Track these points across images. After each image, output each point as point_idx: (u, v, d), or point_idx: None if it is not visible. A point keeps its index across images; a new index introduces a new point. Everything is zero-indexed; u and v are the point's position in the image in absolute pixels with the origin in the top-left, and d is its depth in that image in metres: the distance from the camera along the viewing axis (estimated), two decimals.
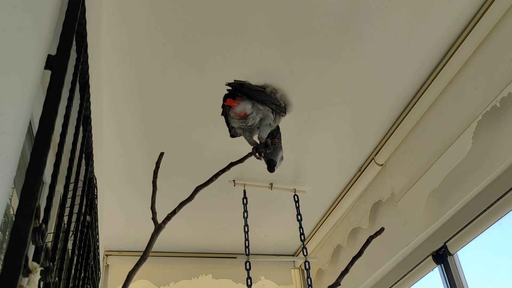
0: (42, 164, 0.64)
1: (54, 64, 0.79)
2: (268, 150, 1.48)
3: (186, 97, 2.02)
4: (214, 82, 1.94)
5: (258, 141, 1.54)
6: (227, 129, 1.69)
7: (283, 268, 3.52)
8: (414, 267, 2.35)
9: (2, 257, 1.02)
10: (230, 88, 1.50)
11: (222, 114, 1.58)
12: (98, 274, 2.02)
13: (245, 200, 2.53)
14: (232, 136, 1.63)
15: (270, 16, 1.69)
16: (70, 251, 1.20)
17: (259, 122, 1.50)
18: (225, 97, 1.50)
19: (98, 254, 2.06)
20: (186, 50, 1.80)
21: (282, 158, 1.60)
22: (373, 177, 2.55)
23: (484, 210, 1.89)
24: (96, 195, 1.70)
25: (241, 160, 1.43)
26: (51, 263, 0.74)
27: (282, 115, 1.57)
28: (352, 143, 2.41)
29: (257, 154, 1.49)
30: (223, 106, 1.54)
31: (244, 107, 1.46)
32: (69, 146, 0.98)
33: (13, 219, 0.58)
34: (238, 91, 1.48)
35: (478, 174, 1.82)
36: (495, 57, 1.72)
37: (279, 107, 1.52)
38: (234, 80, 1.53)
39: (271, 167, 1.52)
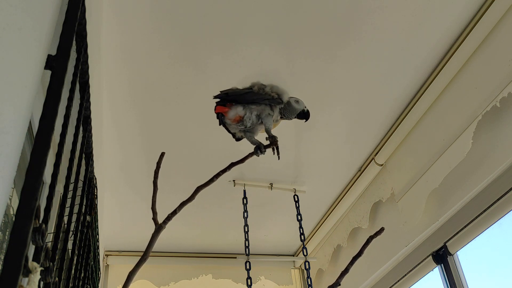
0: (42, 164, 0.64)
1: (54, 64, 0.79)
2: (275, 148, 1.50)
3: (186, 97, 2.02)
4: (214, 82, 1.94)
5: (259, 141, 1.54)
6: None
7: (283, 268, 3.52)
8: (414, 267, 2.34)
9: (2, 257, 1.02)
10: (218, 100, 1.52)
11: (220, 124, 1.58)
12: (98, 274, 2.02)
13: (245, 200, 2.53)
14: (238, 140, 1.64)
15: (270, 16, 1.69)
16: (70, 251, 1.20)
17: (257, 120, 1.51)
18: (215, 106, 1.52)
19: (98, 254, 2.06)
20: (186, 50, 1.80)
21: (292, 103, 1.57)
22: (373, 177, 2.55)
23: (484, 210, 1.89)
24: (96, 195, 1.70)
25: (242, 160, 1.43)
26: (51, 263, 0.74)
27: (280, 106, 1.57)
28: (352, 143, 2.41)
29: (259, 152, 1.49)
30: (218, 116, 1.55)
31: (236, 111, 1.49)
32: (69, 146, 0.98)
33: (13, 219, 0.58)
34: (226, 100, 1.50)
35: (478, 174, 1.82)
36: (495, 57, 1.72)
37: (273, 100, 1.53)
38: (220, 92, 1.54)
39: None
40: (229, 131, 1.61)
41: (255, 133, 1.58)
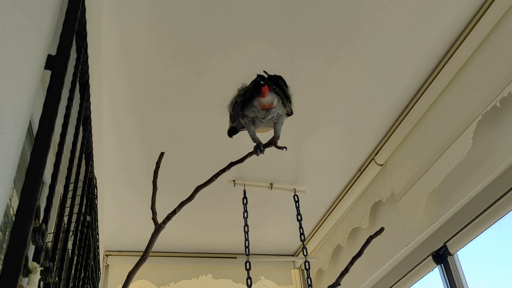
0: (42, 164, 0.64)
1: (54, 64, 0.79)
2: (276, 147, 1.49)
3: (185, 97, 2.02)
4: (214, 82, 1.94)
5: (260, 140, 1.53)
6: (226, 128, 1.68)
7: (283, 268, 3.52)
8: (414, 267, 2.34)
9: (2, 257, 1.02)
10: (264, 76, 1.42)
11: (238, 101, 1.48)
12: (98, 274, 2.02)
13: (245, 200, 2.53)
14: (230, 132, 1.61)
15: (270, 16, 1.69)
16: (70, 251, 1.20)
17: (276, 117, 1.47)
18: (260, 83, 1.41)
19: (98, 254, 2.06)
20: (186, 50, 1.80)
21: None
22: (373, 177, 2.55)
23: (484, 210, 1.89)
24: (96, 195, 1.70)
25: (241, 160, 1.43)
26: (51, 263, 0.74)
27: (288, 113, 1.54)
28: (352, 143, 2.41)
29: (258, 151, 1.48)
30: (247, 93, 1.44)
31: (273, 99, 1.41)
32: (69, 146, 0.98)
33: (13, 219, 0.58)
34: (275, 83, 1.42)
35: (478, 174, 1.82)
36: (495, 57, 1.72)
37: (290, 104, 1.50)
38: (265, 72, 1.45)
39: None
40: (233, 115, 1.52)
41: (258, 128, 1.54)
